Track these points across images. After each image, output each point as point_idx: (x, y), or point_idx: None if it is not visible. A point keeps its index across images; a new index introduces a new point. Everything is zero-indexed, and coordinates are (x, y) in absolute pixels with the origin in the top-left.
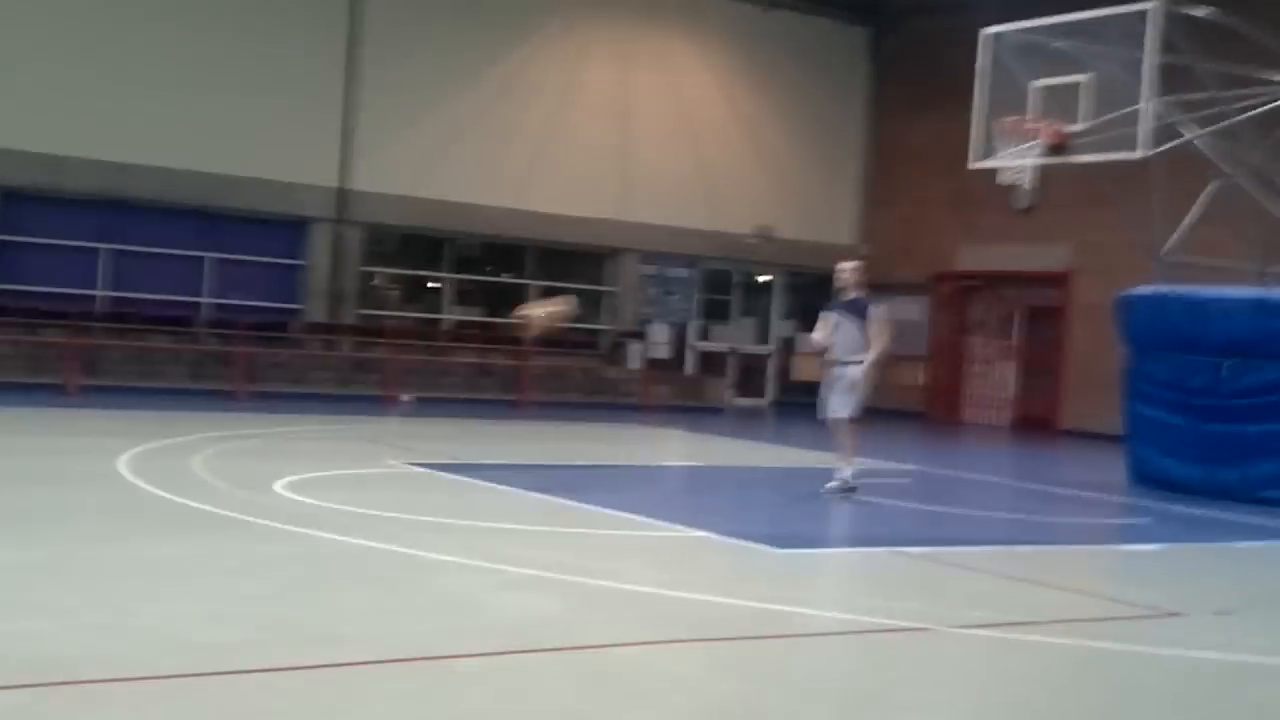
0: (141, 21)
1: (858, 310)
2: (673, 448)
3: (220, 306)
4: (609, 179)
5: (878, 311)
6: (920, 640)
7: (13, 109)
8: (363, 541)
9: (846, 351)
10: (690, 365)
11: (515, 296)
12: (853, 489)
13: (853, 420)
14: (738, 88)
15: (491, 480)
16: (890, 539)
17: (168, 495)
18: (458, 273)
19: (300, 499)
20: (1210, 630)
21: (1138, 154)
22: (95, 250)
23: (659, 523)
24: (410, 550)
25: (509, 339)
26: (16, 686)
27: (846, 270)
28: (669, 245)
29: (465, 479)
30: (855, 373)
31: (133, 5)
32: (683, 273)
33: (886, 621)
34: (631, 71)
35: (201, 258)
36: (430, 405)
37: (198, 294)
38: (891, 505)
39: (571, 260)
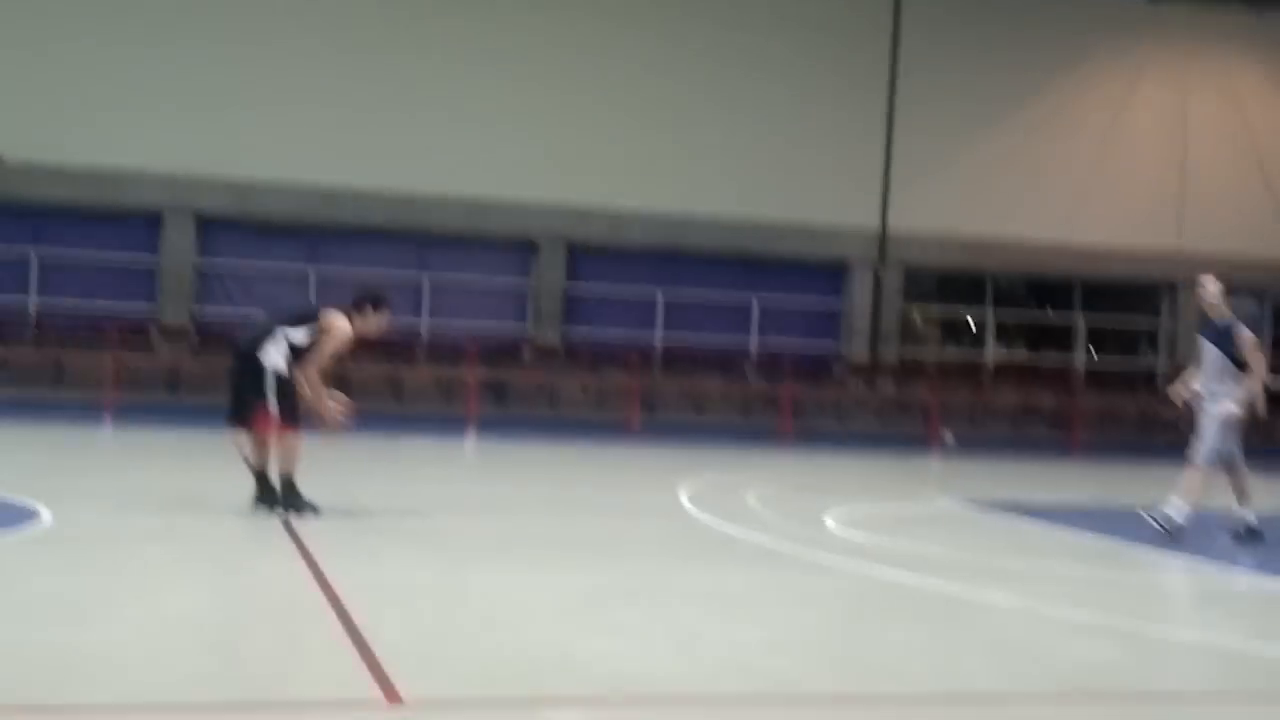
0: (691, 75)
1: (1220, 335)
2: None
3: (765, 347)
4: (1163, 209)
5: (1246, 334)
6: None
7: (577, 170)
8: (915, 578)
9: (1210, 383)
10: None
11: (1059, 334)
12: (1170, 530)
13: (1202, 465)
14: None
15: (1041, 520)
16: None
17: (724, 526)
18: (998, 309)
19: (849, 534)
20: None
21: None
22: (654, 298)
23: (1226, 567)
24: (965, 589)
25: (1055, 375)
26: (594, 701)
27: (1206, 288)
28: (1229, 275)
29: (1013, 518)
30: (1218, 410)
31: (688, 61)
32: (1249, 305)
33: None
34: (1188, 93)
35: (749, 301)
36: (973, 444)
37: (745, 335)
38: None
39: (1123, 295)
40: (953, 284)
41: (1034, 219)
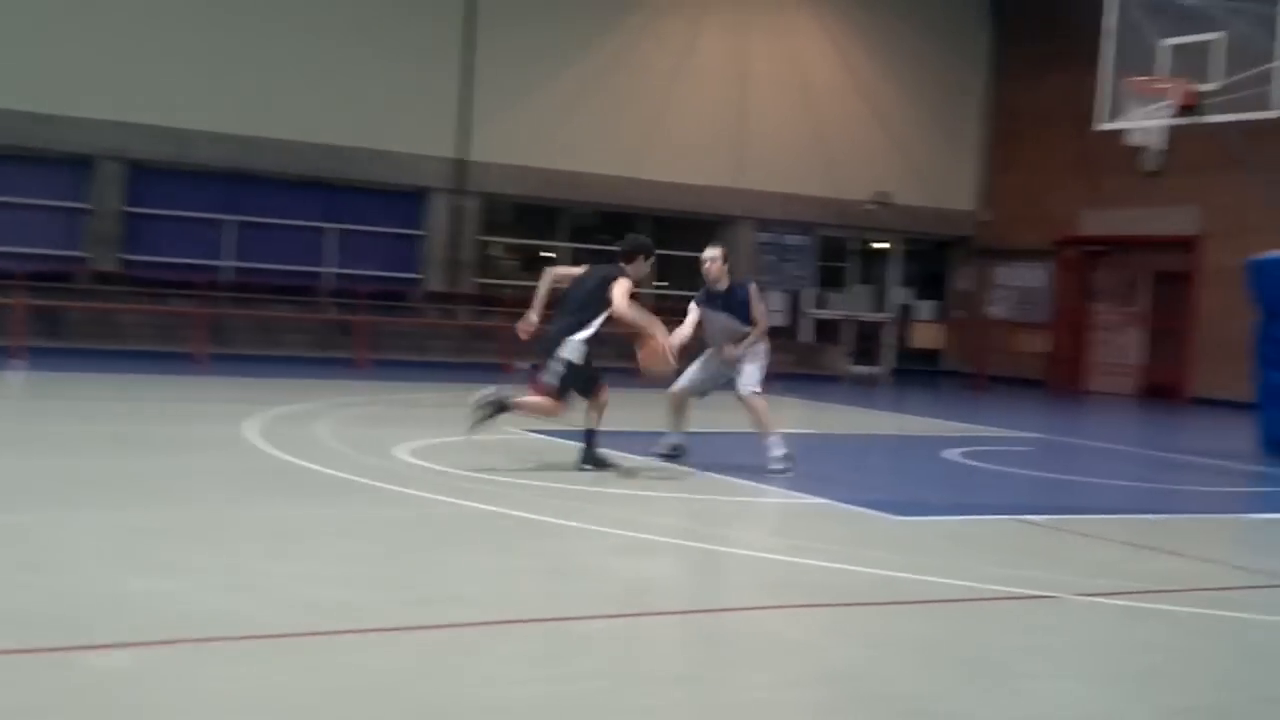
0: None
1: (732, 302)
2: (790, 415)
3: (341, 276)
4: (724, 147)
5: (753, 288)
6: (1046, 608)
7: (140, 84)
8: (483, 505)
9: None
10: (806, 333)
11: None
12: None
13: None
14: (855, 52)
15: (609, 445)
16: (1013, 507)
17: (294, 460)
18: (573, 242)
19: (422, 464)
20: None
21: (1272, 113)
22: (220, 222)
23: (778, 490)
24: (530, 514)
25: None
26: (151, 643)
27: (709, 261)
28: (784, 213)
29: (578, 444)
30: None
31: None
32: (799, 240)
33: (1010, 589)
34: (747, 38)
35: (322, 229)
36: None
37: (319, 264)
38: (1013, 473)
39: (686, 228)
40: (530, 215)
41: (607, 154)
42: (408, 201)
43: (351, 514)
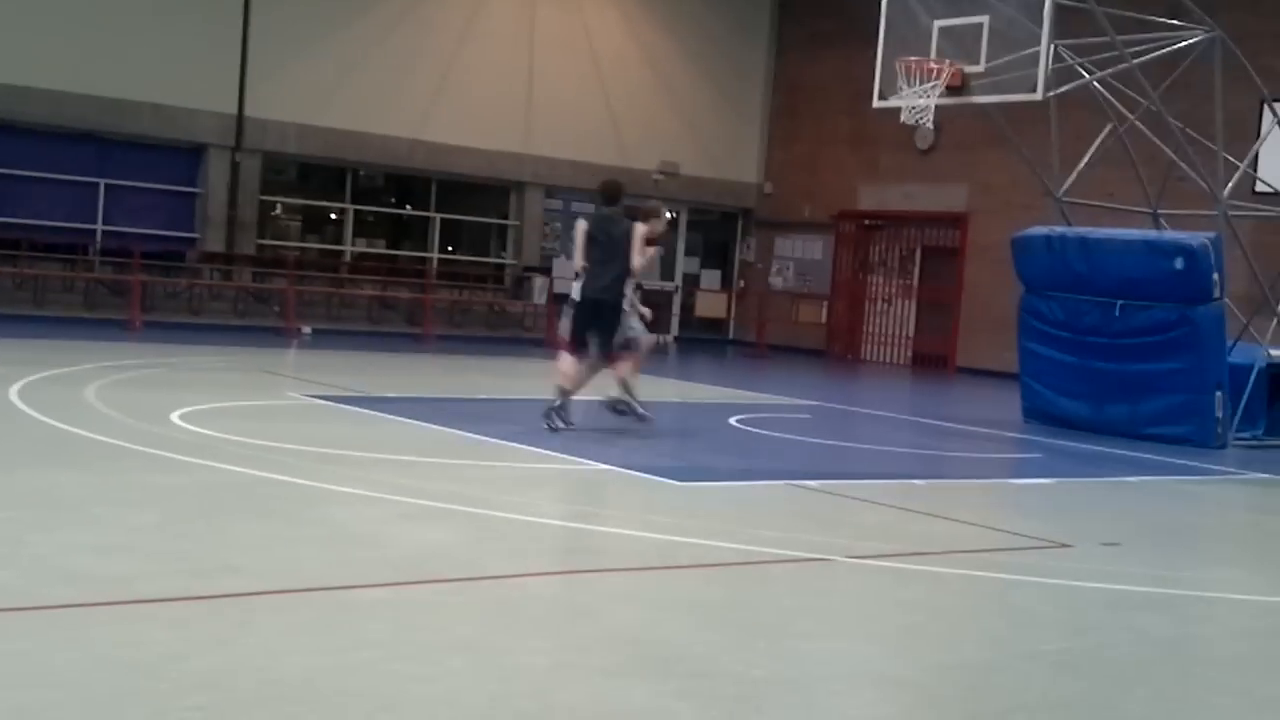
0: None
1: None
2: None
3: (114, 234)
4: (513, 112)
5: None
6: (818, 570)
7: None
8: (261, 473)
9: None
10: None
11: (417, 228)
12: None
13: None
14: (643, 23)
15: (393, 413)
16: (790, 473)
17: (60, 425)
18: (359, 204)
19: (197, 430)
20: (1098, 561)
21: (1036, 95)
22: None
23: (563, 456)
24: (310, 482)
25: (411, 271)
26: None
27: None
28: (573, 180)
29: (366, 411)
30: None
31: None
32: (587, 207)
33: (785, 553)
34: (537, 4)
35: (95, 184)
36: (331, 338)
37: (91, 221)
38: (791, 439)
39: (475, 193)
40: (314, 175)
41: (393, 115)
42: (185, 158)
43: (123, 482)
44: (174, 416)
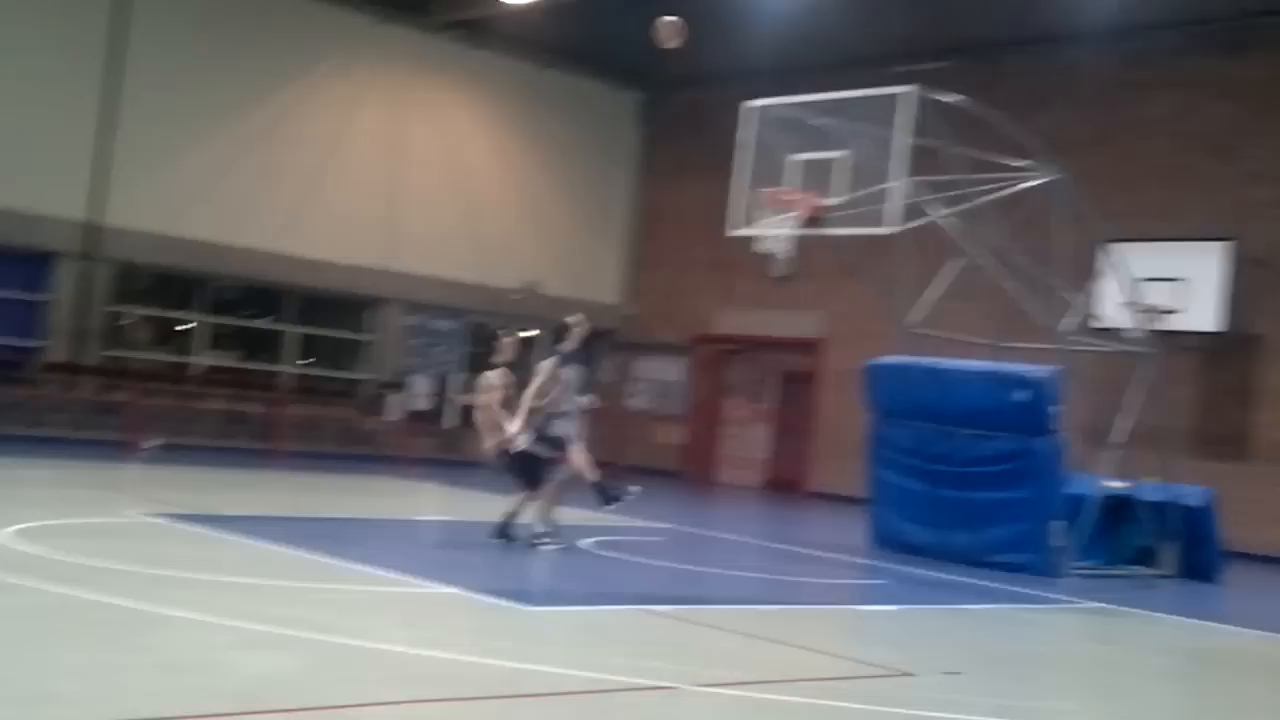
0: None
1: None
2: (428, 501)
3: None
4: (376, 227)
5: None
6: (665, 699)
7: None
8: (92, 595)
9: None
10: (450, 418)
11: (272, 341)
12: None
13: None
14: (510, 144)
15: (237, 532)
16: (640, 597)
17: None
18: (213, 315)
19: (26, 548)
20: (939, 689)
21: (886, 229)
22: None
23: (410, 578)
24: (143, 605)
25: (264, 385)
26: None
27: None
28: (435, 297)
29: (208, 530)
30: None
31: None
32: (448, 324)
33: (633, 680)
34: (403, 121)
35: None
36: (178, 453)
37: None
38: (643, 563)
39: (333, 307)
40: (167, 285)
41: (255, 226)
42: (31, 264)
43: None
44: (4, 534)
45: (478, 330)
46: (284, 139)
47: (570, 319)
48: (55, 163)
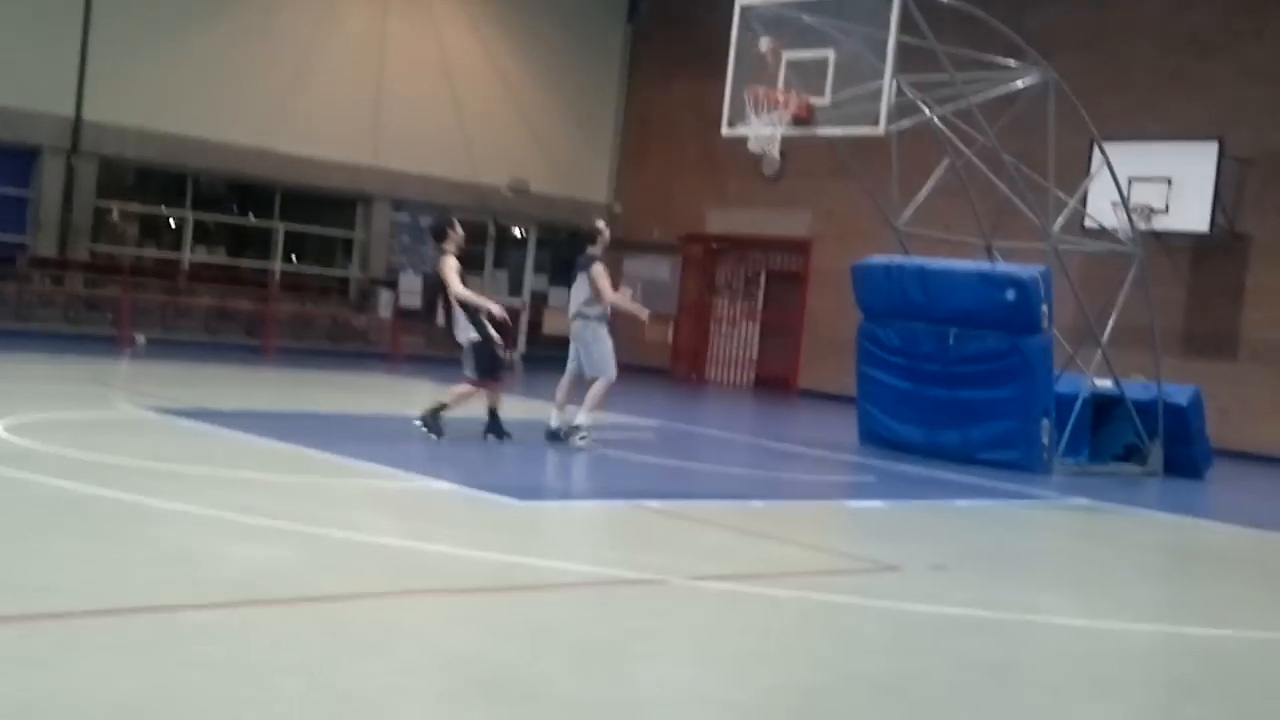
0: None
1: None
2: (419, 397)
3: None
4: (362, 124)
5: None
6: (655, 592)
7: None
8: (87, 488)
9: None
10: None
11: (260, 238)
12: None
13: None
14: (497, 41)
15: (230, 427)
16: (631, 492)
17: None
18: (199, 210)
19: (20, 441)
20: (924, 584)
21: (878, 129)
22: None
23: (403, 473)
24: (138, 498)
25: (253, 281)
26: None
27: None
28: (422, 194)
29: (200, 425)
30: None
31: None
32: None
33: (624, 574)
34: (389, 17)
35: None
36: (167, 348)
37: None
38: (633, 459)
39: (321, 204)
40: (152, 181)
41: (238, 122)
42: (18, 160)
43: None
44: None
45: (465, 229)
46: (267, 33)
47: (599, 222)
48: (40, 58)
